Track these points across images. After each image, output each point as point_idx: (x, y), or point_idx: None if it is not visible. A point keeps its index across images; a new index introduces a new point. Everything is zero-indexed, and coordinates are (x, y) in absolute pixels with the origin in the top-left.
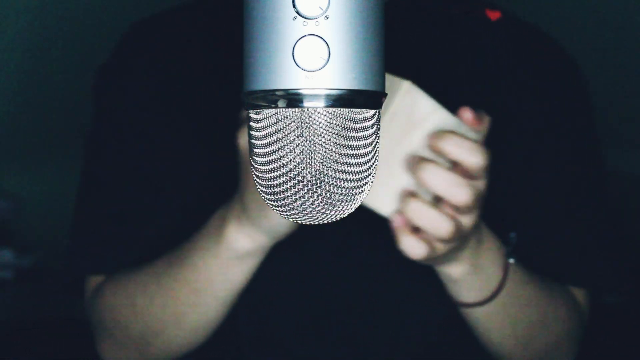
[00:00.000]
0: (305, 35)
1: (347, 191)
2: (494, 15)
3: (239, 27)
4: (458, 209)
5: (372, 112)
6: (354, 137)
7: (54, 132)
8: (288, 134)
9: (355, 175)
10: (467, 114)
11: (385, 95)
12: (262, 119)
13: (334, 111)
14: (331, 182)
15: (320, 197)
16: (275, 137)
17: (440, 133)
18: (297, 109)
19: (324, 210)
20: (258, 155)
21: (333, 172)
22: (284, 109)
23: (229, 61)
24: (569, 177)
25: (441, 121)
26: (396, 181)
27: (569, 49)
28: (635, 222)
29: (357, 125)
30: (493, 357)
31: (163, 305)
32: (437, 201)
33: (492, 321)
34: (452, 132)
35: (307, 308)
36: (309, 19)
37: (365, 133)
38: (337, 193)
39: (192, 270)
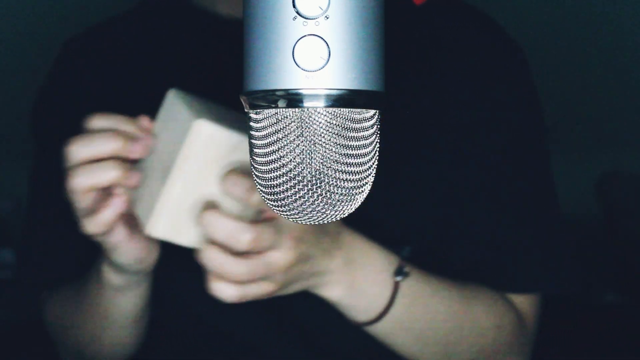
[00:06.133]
0: (305, 35)
1: (347, 191)
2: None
3: (177, 33)
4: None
5: (372, 112)
6: (354, 137)
7: None
8: (288, 134)
9: (355, 175)
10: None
11: (385, 94)
12: (262, 119)
13: (334, 111)
14: (331, 182)
15: (320, 197)
16: (275, 137)
17: (230, 177)
18: (297, 109)
19: (324, 210)
20: (258, 155)
21: (333, 172)
22: (284, 109)
23: (168, 67)
24: (502, 171)
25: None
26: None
27: (568, 48)
28: (635, 222)
29: (357, 125)
30: None
31: (80, 327)
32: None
33: (394, 336)
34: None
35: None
36: (309, 19)
37: (366, 133)
38: (337, 193)
39: (92, 298)
